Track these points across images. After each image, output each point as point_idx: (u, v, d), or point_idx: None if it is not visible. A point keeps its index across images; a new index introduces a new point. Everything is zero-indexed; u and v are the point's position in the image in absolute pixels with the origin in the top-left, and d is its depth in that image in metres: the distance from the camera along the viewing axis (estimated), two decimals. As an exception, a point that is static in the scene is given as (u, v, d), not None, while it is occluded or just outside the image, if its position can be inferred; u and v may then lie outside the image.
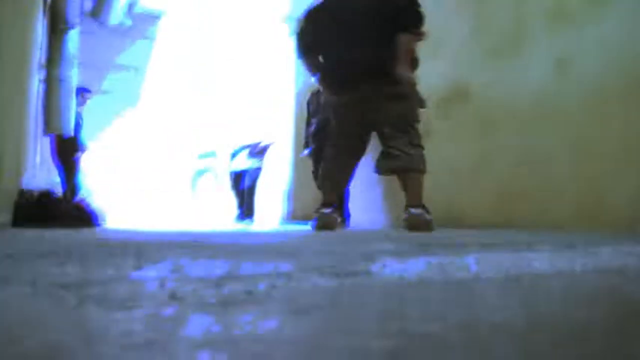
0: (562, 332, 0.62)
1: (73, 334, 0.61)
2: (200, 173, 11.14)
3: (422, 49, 6.19)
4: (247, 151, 9.24)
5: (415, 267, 1.29)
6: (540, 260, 1.44)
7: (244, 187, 9.13)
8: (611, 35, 4.24)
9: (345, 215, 6.30)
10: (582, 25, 4.45)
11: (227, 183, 9.61)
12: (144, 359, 0.51)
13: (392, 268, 1.26)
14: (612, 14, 4.25)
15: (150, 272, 1.19)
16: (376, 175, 6.47)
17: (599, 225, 4.15)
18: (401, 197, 5.74)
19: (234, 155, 9.41)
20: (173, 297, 0.85)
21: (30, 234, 3.02)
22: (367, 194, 6.87)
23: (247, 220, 8.77)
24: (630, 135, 4.06)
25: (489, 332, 0.62)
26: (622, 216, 4.05)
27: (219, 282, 1.02)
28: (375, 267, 1.27)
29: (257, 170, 9.14)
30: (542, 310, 0.77)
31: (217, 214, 10.17)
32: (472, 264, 1.36)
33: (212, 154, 10.88)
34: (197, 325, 0.66)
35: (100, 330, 0.65)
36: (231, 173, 9.37)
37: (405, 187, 4.53)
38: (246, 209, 9.01)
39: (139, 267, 1.26)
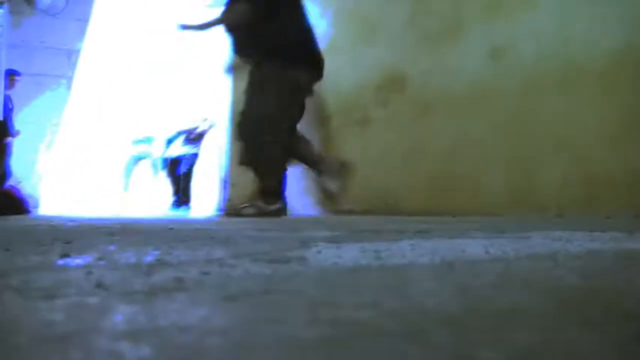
0: (495, 317, 0.62)
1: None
2: (136, 159, 10.94)
3: (359, 34, 6.22)
4: (183, 137, 9.13)
5: (349, 253, 1.28)
6: (474, 246, 1.45)
7: (179, 174, 9.02)
8: (544, 23, 4.33)
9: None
10: (516, 13, 4.53)
11: (163, 169, 9.48)
12: (61, 350, 0.49)
13: (326, 254, 1.25)
14: (545, 3, 4.34)
15: (78, 260, 1.15)
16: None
17: (530, 210, 4.24)
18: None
19: (170, 141, 9.29)
20: (99, 285, 0.82)
21: (-45, 221, 2.92)
22: (303, 180, 6.87)
23: (182, 208, 8.68)
24: (560, 121, 4.16)
25: (422, 318, 0.61)
26: (551, 201, 4.16)
27: (148, 269, 0.99)
28: (309, 254, 1.26)
29: (194, 156, 9.04)
30: (475, 295, 0.77)
31: (152, 201, 10.03)
32: (406, 250, 1.36)
33: (148, 140, 10.69)
34: (122, 315, 0.63)
35: (18, 320, 0.61)
36: (167, 159, 9.25)
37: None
38: (182, 196, 8.91)
39: (66, 255, 1.22)
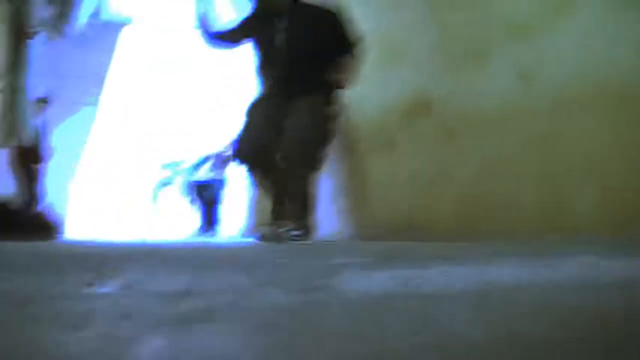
0: (544, 353, 0.59)
1: (14, 357, 0.56)
2: (164, 183, 11.01)
3: (385, 58, 6.23)
4: (211, 161, 9.16)
5: (379, 280, 1.26)
6: (508, 273, 1.42)
7: (207, 199, 9.05)
8: (572, 46, 4.28)
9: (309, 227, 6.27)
10: (543, 36, 4.49)
11: (191, 194, 9.51)
12: (86, 388, 0.47)
13: (356, 282, 1.22)
14: (573, 26, 4.30)
15: (106, 287, 1.14)
16: (338, 188, 6.52)
17: (562, 233, 4.17)
18: (362, 209, 5.76)
19: (197, 165, 9.34)
20: (126, 315, 0.80)
21: (-16, 247, 2.93)
22: (329, 206, 6.85)
23: (210, 232, 8.69)
24: (592, 144, 4.09)
25: (465, 352, 0.58)
26: (584, 224, 4.08)
27: (176, 298, 0.97)
28: (337, 281, 1.23)
29: (221, 181, 9.06)
30: (517, 327, 0.73)
31: (180, 225, 10.06)
32: (438, 277, 1.33)
33: (175, 165, 10.78)
34: (150, 347, 0.61)
35: (43, 353, 0.60)
36: (194, 184, 9.29)
37: None
38: (209, 221, 8.93)
39: (93, 282, 1.20)
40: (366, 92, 6.48)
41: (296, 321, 0.77)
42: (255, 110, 4.68)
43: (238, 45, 4.81)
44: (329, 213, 6.82)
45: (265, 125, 4.58)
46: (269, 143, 4.54)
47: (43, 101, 8.02)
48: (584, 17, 4.24)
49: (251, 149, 4.60)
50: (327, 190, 6.81)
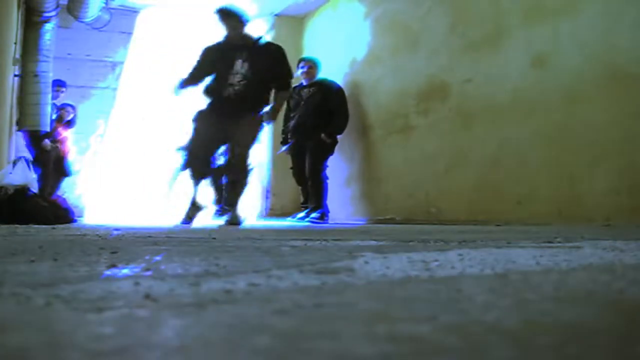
0: (560, 334, 0.59)
1: (37, 338, 0.57)
2: (179, 169, 11.03)
3: (402, 45, 6.19)
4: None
5: (397, 263, 1.26)
6: (524, 257, 1.42)
7: (222, 183, 9.05)
8: (586, 30, 4.25)
9: (325, 211, 6.31)
10: (558, 20, 4.46)
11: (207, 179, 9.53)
12: (114, 366, 0.47)
13: (374, 265, 1.23)
14: (587, 9, 4.26)
15: (125, 270, 1.15)
16: (353, 173, 6.53)
17: (575, 219, 4.16)
18: (377, 194, 5.78)
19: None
20: (148, 297, 0.81)
21: (3, 231, 2.96)
22: (344, 190, 6.86)
23: (225, 217, 8.70)
24: (606, 129, 4.07)
25: (483, 334, 0.59)
26: (598, 210, 4.07)
27: (196, 280, 0.98)
28: (356, 264, 1.23)
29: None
30: (534, 309, 0.74)
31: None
32: (455, 260, 1.34)
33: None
34: (173, 328, 0.62)
35: (67, 333, 0.61)
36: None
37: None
38: (225, 205, 8.94)
39: (113, 265, 1.22)
40: (381, 77, 6.47)
41: (318, 303, 0.78)
42: (202, 121, 5.67)
43: (200, 82, 5.70)
44: (345, 197, 6.83)
45: (210, 136, 5.68)
46: (211, 152, 6.00)
47: (59, 86, 8.04)
48: (599, 1, 4.21)
49: (197, 158, 5.96)
50: (343, 175, 6.81)
